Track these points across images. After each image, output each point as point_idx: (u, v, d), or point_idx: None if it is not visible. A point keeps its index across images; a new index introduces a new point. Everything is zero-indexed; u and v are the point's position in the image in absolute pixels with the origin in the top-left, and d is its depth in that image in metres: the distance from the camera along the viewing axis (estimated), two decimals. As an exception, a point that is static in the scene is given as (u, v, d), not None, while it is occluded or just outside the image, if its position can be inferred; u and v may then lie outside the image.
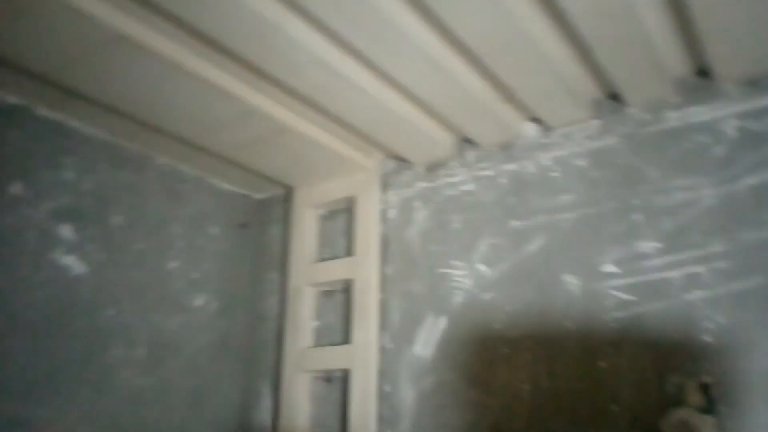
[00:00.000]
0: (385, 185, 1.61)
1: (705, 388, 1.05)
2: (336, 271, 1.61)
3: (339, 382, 1.55)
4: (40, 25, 1.05)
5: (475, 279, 1.39)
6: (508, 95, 1.31)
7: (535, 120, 1.41)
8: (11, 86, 1.26)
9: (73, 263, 1.35)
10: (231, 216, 1.75)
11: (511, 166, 1.43)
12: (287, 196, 1.77)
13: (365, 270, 1.54)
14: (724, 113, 1.17)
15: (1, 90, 1.27)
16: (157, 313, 1.51)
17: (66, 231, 1.34)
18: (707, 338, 1.08)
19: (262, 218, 1.83)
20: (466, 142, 1.50)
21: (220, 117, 1.36)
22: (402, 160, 1.60)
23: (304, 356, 1.59)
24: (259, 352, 1.71)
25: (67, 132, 1.36)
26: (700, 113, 1.20)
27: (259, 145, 1.50)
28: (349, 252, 1.62)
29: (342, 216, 1.68)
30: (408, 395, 1.41)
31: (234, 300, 1.72)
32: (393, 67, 1.20)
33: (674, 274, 1.14)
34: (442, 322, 1.41)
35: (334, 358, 1.55)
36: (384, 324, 1.49)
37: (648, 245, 1.18)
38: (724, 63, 1.14)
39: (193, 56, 1.19)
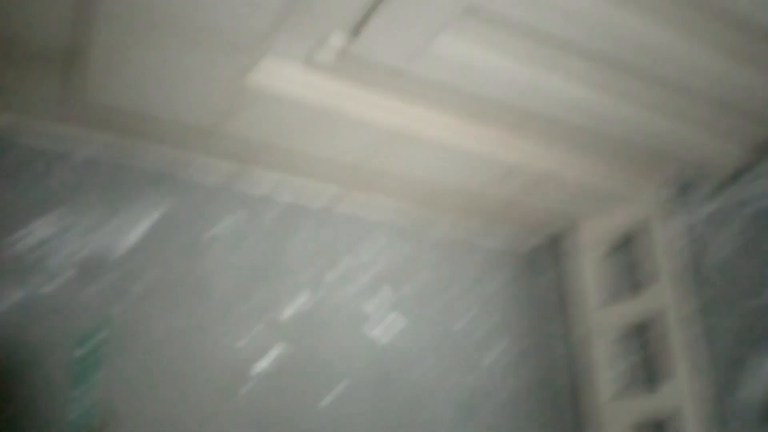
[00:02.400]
0: (669, 212, 1.49)
1: None
2: (627, 312, 1.51)
3: (657, 433, 1.41)
4: (335, 140, 1.25)
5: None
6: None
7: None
8: (316, 193, 1.51)
9: (380, 335, 1.51)
10: (504, 271, 1.79)
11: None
12: (554, 243, 1.75)
13: (663, 308, 1.42)
14: None
15: (310, 197, 1.53)
16: (454, 372, 1.59)
17: (370, 307, 1.51)
18: None
19: (533, 269, 1.83)
20: (761, 149, 1.33)
21: (482, 180, 1.43)
22: (685, 182, 1.46)
23: (607, 411, 1.50)
24: (556, 406, 1.66)
25: (360, 223, 1.57)
26: None
27: (522, 199, 1.52)
28: (635, 290, 1.52)
29: (624, 251, 1.59)
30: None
31: (523, 355, 1.72)
32: (670, 75, 1.12)
33: None
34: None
35: (641, 409, 1.42)
36: (698, 368, 1.34)
37: None
38: None
39: (458, 127, 1.28)
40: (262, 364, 1.33)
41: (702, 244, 1.40)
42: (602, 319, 1.56)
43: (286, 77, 1.08)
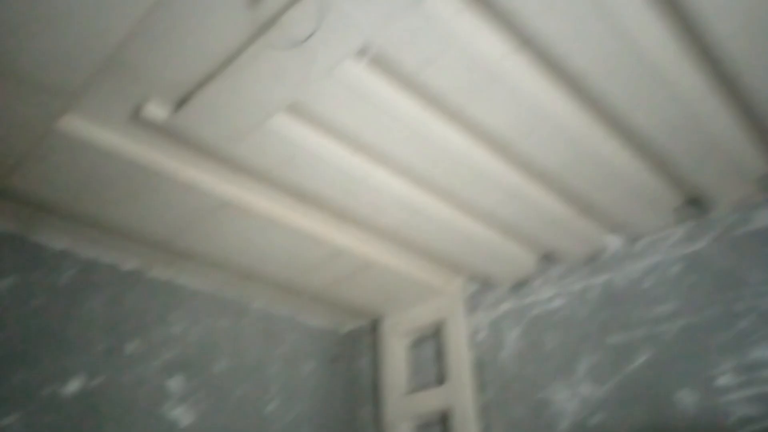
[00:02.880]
0: (472, 307, 1.61)
1: None
2: (431, 401, 1.58)
3: None
4: (156, 200, 1.19)
5: (580, 402, 1.33)
6: (588, 210, 1.34)
7: (618, 231, 1.41)
8: (128, 253, 1.40)
9: (181, 415, 1.40)
10: (323, 351, 1.79)
11: (599, 279, 1.41)
12: (374, 327, 1.80)
13: (461, 398, 1.51)
14: (819, 207, 1.14)
15: (119, 257, 1.41)
16: (258, 458, 1.52)
17: (175, 383, 1.41)
18: None
19: (352, 351, 1.85)
20: (550, 257, 1.51)
21: (309, 260, 1.45)
22: (486, 281, 1.61)
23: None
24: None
25: (176, 290, 1.48)
26: (793, 209, 1.17)
27: (347, 282, 1.56)
28: (441, 379, 1.60)
29: (430, 342, 1.68)
30: None
31: (331, 438, 1.70)
32: (471, 196, 1.26)
33: (804, 382, 1.06)
34: (552, 451, 1.34)
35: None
36: (489, 455, 1.43)
37: (763, 352, 1.11)
38: (806, 158, 1.14)
39: (287, 208, 1.30)
40: (28, 449, 1.16)
41: (494, 342, 1.53)
42: (407, 407, 1.61)
43: (103, 133, 1.02)
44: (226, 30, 0.85)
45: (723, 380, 1.16)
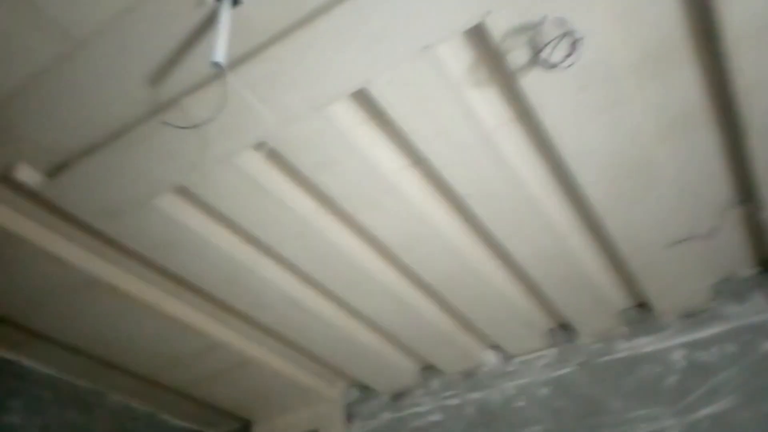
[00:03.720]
0: (350, 415, 1.55)
1: None
2: None
3: None
4: (14, 269, 1.08)
5: None
6: (468, 325, 1.37)
7: (496, 348, 1.45)
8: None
9: None
10: (181, 456, 1.62)
11: (476, 395, 1.42)
12: (246, 429, 1.67)
13: None
14: (670, 344, 1.25)
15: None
16: None
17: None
18: None
19: (215, 456, 1.70)
20: (430, 369, 1.51)
21: (181, 352, 1.35)
22: (366, 389, 1.57)
23: None
24: None
25: (18, 372, 1.31)
26: (648, 343, 1.27)
27: (218, 379, 1.46)
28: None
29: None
30: None
31: None
32: (357, 301, 1.26)
33: None
34: None
35: None
36: None
37: (622, 483, 1.15)
38: (659, 298, 1.25)
39: (162, 294, 1.22)
40: None
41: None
42: None
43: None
44: (122, 103, 0.83)
45: None
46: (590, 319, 1.31)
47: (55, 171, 0.90)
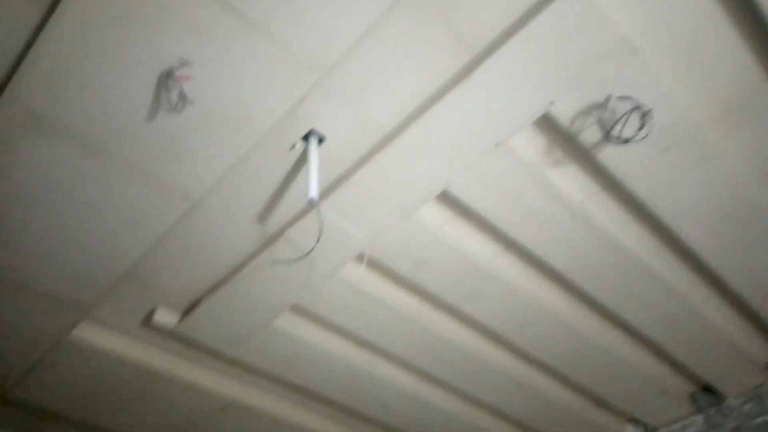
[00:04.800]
0: None
1: None
2: None
3: None
4: (160, 403, 1.18)
5: None
6: (599, 401, 1.30)
7: (635, 422, 1.35)
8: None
9: None
10: None
11: (622, 476, 1.32)
12: None
13: None
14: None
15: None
16: None
17: None
18: None
19: None
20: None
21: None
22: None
23: None
24: None
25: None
26: (809, 397, 1.14)
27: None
28: None
29: None
30: None
31: None
32: (475, 390, 1.24)
33: None
34: None
35: None
36: None
37: None
38: (810, 344, 1.13)
39: (290, 406, 1.27)
40: None
41: None
42: None
43: (114, 339, 1.06)
44: (237, 243, 0.93)
45: None
46: (734, 377, 1.20)
47: (187, 311, 1.01)
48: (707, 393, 1.27)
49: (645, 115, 0.72)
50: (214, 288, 0.98)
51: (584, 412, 1.30)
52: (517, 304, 1.06)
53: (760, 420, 1.18)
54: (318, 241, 0.76)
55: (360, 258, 0.95)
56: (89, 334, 1.01)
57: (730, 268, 0.98)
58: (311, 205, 0.76)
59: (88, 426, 1.22)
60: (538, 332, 1.11)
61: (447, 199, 0.90)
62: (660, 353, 1.18)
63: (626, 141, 0.74)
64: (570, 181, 0.91)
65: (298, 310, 1.05)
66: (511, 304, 1.06)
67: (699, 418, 1.26)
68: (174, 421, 1.24)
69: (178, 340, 1.06)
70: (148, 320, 1.01)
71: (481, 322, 1.10)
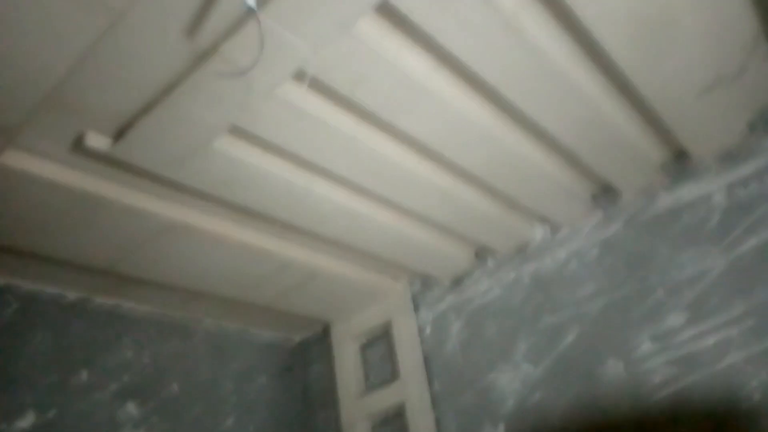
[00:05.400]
0: (417, 305, 1.70)
1: (770, 448, 1.08)
2: (385, 399, 1.65)
3: None
4: (99, 228, 1.20)
5: (522, 381, 1.44)
6: (513, 204, 1.45)
7: (544, 221, 1.53)
8: (71, 283, 1.39)
9: (140, 438, 1.40)
10: (276, 362, 1.82)
11: (530, 266, 1.53)
12: (325, 334, 1.85)
13: (413, 392, 1.59)
14: (711, 187, 1.30)
15: (62, 287, 1.40)
16: (220, 473, 1.54)
17: (130, 408, 1.41)
18: (756, 396, 1.13)
19: (305, 359, 1.90)
20: (483, 253, 1.62)
21: (258, 273, 1.49)
22: (428, 279, 1.70)
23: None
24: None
25: (122, 315, 1.48)
26: (689, 191, 1.33)
27: (296, 291, 1.61)
28: (393, 377, 1.67)
29: (382, 342, 1.75)
30: None
31: (291, 446, 1.74)
32: (406, 201, 1.35)
33: (708, 341, 1.21)
34: (500, 430, 1.44)
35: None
36: (442, 441, 1.52)
37: (676, 318, 1.26)
38: (696, 144, 1.30)
39: (232, 226, 1.34)
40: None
41: (439, 336, 1.63)
42: (363, 407, 1.68)
43: (45, 165, 1.03)
44: (165, 60, 0.88)
45: (643, 349, 1.29)
46: (630, 177, 1.37)
47: (120, 133, 0.99)
48: (607, 193, 1.45)
49: None
50: (146, 109, 0.95)
51: (500, 215, 1.46)
52: (448, 117, 1.11)
53: (649, 213, 1.38)
54: (261, 50, 0.74)
55: (299, 75, 0.94)
56: (17, 162, 0.97)
57: (640, 73, 1.07)
58: (249, 12, 0.72)
59: (24, 254, 1.23)
60: (466, 143, 1.19)
61: (386, 9, 0.89)
62: (569, 158, 1.31)
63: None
64: (504, -11, 0.92)
65: (237, 131, 1.05)
66: (442, 117, 1.11)
67: (599, 214, 1.45)
68: (114, 246, 1.27)
69: (113, 164, 1.05)
70: (78, 145, 0.98)
71: (413, 136, 1.15)
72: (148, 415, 1.44)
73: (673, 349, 1.26)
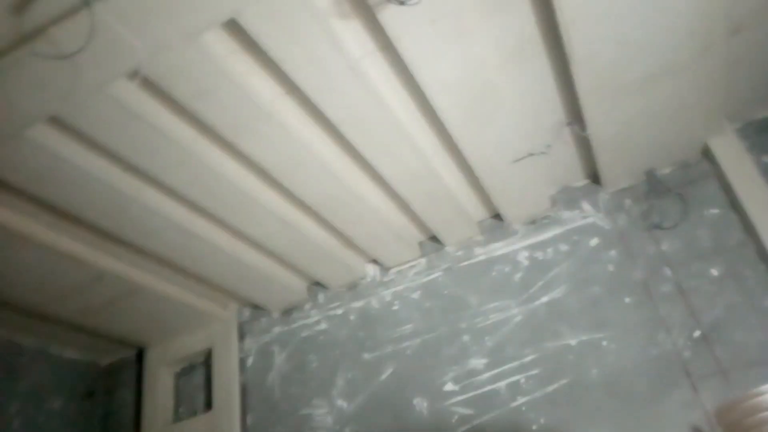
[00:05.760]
0: (243, 333, 1.66)
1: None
2: (196, 428, 1.57)
3: None
4: None
5: (335, 415, 1.46)
6: (349, 243, 1.51)
7: (374, 261, 1.60)
8: None
9: None
10: (75, 386, 1.65)
11: (358, 304, 1.59)
12: (139, 357, 1.73)
13: (226, 423, 1.53)
14: (516, 247, 1.47)
15: None
16: None
17: None
18: (535, 437, 1.26)
19: (111, 384, 1.74)
20: (317, 285, 1.65)
21: (67, 283, 1.36)
22: (258, 308, 1.68)
23: None
24: None
25: None
26: (500, 248, 1.49)
27: (109, 308, 1.49)
28: (207, 406, 1.60)
29: (199, 370, 1.68)
30: None
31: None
32: (243, 225, 1.34)
33: (501, 384, 1.33)
34: (308, 465, 1.43)
35: None
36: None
37: (477, 362, 1.38)
38: (509, 208, 1.46)
39: (41, 227, 1.22)
40: None
41: (261, 366, 1.60)
42: (170, 437, 1.58)
43: None
44: (-16, 33, 0.81)
45: (448, 387, 1.39)
46: (453, 230, 1.49)
47: None
48: (432, 241, 1.56)
49: (421, -17, 0.81)
50: (-48, 82, 0.86)
51: (335, 251, 1.50)
52: (291, 146, 1.14)
53: (465, 263, 1.51)
54: (88, 40, 0.71)
55: (133, 75, 0.91)
56: None
57: (466, 137, 1.19)
58: (84, 1, 0.70)
59: None
60: (306, 176, 1.22)
61: (236, 29, 0.91)
62: (401, 205, 1.40)
63: (402, 2, 0.83)
64: (353, 36, 0.98)
65: (58, 123, 0.98)
66: (285, 146, 1.13)
67: (423, 261, 1.56)
68: None
69: None
70: None
71: (255, 160, 1.16)
72: None
73: (471, 389, 1.36)
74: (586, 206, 1.44)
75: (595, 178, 1.45)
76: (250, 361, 1.63)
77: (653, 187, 1.37)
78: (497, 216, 1.51)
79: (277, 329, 1.64)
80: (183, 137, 1.08)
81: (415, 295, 1.53)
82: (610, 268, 1.35)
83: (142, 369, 1.70)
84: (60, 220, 1.22)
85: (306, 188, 1.27)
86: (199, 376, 1.68)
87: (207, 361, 1.67)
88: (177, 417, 1.64)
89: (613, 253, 1.36)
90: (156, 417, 1.61)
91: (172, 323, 1.63)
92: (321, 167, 1.21)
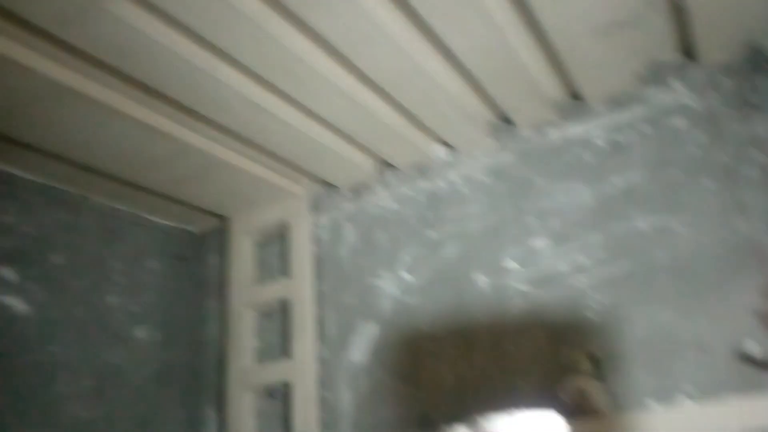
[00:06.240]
0: (316, 209, 1.75)
1: (593, 359, 1.25)
2: (273, 291, 1.72)
3: (282, 396, 1.65)
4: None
5: (401, 286, 1.55)
6: (416, 122, 1.50)
7: (443, 142, 1.60)
8: (-53, 137, 1.32)
9: (16, 303, 1.39)
10: (169, 250, 1.83)
11: (426, 185, 1.61)
12: (223, 227, 1.88)
13: (301, 288, 1.67)
14: (594, 128, 1.41)
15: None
16: (99, 346, 1.57)
17: (8, 273, 1.39)
18: (592, 316, 1.29)
19: (200, 250, 1.92)
20: (386, 165, 1.68)
21: (154, 156, 1.47)
22: (329, 185, 1.75)
23: (247, 374, 1.69)
24: (203, 377, 1.78)
25: (7, 178, 1.42)
26: (575, 129, 1.43)
27: (193, 180, 1.60)
28: (285, 274, 1.74)
29: (277, 241, 1.80)
30: (346, 398, 1.53)
31: (175, 329, 1.79)
32: (313, 103, 1.36)
33: (563, 264, 1.35)
34: (374, 329, 1.55)
35: (275, 372, 1.65)
36: (321, 336, 1.62)
37: (540, 242, 1.39)
38: (589, 87, 1.38)
39: (128, 100, 1.30)
40: None
41: (333, 240, 1.70)
42: (251, 297, 1.74)
43: None
44: None
45: (510, 265, 1.42)
46: (526, 110, 1.44)
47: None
48: (504, 122, 1.53)
49: None
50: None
51: (403, 131, 1.50)
52: (361, 21, 1.10)
53: (538, 145, 1.47)
54: None
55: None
56: None
57: (544, 7, 1.11)
58: None
59: None
60: (375, 51, 1.20)
61: None
62: (472, 83, 1.36)
63: None
64: None
65: (134, -5, 1.00)
66: (355, 20, 1.10)
67: (493, 142, 1.53)
68: (5, 103, 1.20)
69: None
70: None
71: (324, 36, 1.14)
72: (27, 282, 1.43)
73: (533, 268, 1.39)
74: (675, 84, 1.33)
75: (688, 52, 1.32)
76: (322, 234, 1.72)
77: (755, 62, 1.24)
78: (575, 95, 1.44)
79: (348, 206, 1.71)
80: (252, 12, 1.08)
81: (483, 177, 1.52)
82: (695, 150, 1.28)
83: (226, 238, 1.85)
84: (143, 94, 1.29)
85: (374, 64, 1.25)
86: (276, 248, 1.80)
87: (283, 233, 1.79)
88: (259, 281, 1.79)
89: (700, 135, 1.28)
90: (241, 280, 1.78)
91: (252, 197, 1.74)
92: (390, 42, 1.18)
